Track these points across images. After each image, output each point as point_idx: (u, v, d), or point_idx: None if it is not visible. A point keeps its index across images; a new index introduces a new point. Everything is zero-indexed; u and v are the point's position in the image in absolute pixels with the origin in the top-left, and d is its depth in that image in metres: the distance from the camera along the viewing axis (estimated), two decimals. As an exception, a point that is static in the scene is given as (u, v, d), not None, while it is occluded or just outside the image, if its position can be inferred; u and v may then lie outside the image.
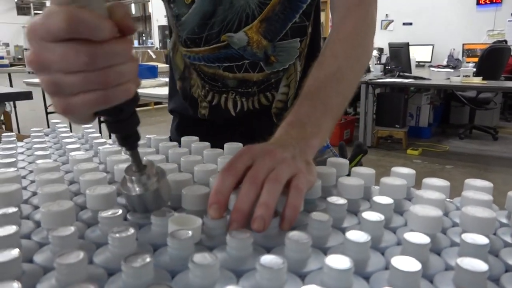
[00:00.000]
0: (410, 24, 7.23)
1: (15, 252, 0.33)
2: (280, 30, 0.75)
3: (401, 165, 0.56)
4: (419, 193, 0.46)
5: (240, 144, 0.66)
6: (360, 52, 0.64)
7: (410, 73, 4.54)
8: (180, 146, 0.71)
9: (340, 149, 1.34)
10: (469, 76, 4.03)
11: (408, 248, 0.35)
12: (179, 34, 0.78)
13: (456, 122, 5.27)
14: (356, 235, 0.36)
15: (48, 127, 1.11)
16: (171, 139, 0.77)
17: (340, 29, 0.65)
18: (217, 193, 0.41)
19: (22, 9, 14.52)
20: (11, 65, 7.33)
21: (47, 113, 4.51)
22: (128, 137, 0.41)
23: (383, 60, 5.98)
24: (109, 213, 0.41)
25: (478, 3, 6.57)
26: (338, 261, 0.31)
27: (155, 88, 3.21)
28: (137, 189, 0.43)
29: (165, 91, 3.02)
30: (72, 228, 0.37)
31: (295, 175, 0.42)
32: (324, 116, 0.54)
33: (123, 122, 0.40)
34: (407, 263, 0.31)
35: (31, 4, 14.40)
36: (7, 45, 12.71)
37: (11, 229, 0.37)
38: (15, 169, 0.58)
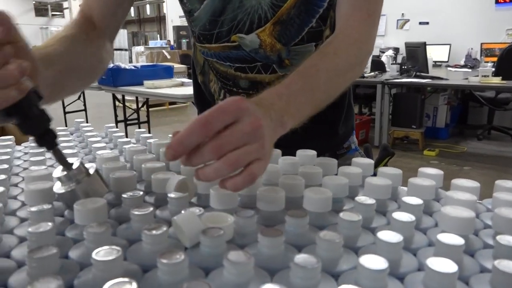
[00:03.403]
0: (427, 23, 7.12)
1: (53, 248, 0.34)
2: (296, 35, 0.73)
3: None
4: (449, 194, 0.46)
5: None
6: (356, 61, 0.64)
7: (427, 73, 4.47)
8: None
9: (365, 151, 1.33)
10: (487, 76, 3.95)
11: (442, 249, 0.35)
12: (193, 30, 0.80)
13: (474, 122, 5.17)
14: (388, 236, 0.36)
15: (66, 125, 1.13)
16: None
17: (346, 31, 0.65)
18: (180, 143, 0.40)
19: (39, 11, 14.76)
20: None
21: (65, 113, 4.59)
22: (40, 137, 0.42)
23: (399, 60, 5.91)
24: (140, 210, 0.41)
25: (497, 2, 6.43)
26: (373, 262, 0.31)
27: (171, 88, 3.24)
28: (67, 185, 0.45)
29: (180, 91, 3.04)
30: (107, 225, 0.38)
31: (258, 160, 0.42)
32: (307, 104, 0.53)
33: (27, 123, 0.41)
34: (442, 265, 0.31)
35: (49, 6, 14.65)
36: (25, 46, 12.90)
37: (47, 226, 0.38)
38: (45, 167, 0.59)
